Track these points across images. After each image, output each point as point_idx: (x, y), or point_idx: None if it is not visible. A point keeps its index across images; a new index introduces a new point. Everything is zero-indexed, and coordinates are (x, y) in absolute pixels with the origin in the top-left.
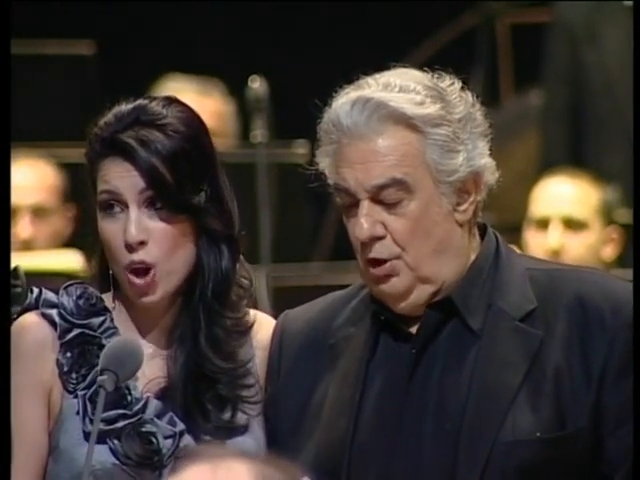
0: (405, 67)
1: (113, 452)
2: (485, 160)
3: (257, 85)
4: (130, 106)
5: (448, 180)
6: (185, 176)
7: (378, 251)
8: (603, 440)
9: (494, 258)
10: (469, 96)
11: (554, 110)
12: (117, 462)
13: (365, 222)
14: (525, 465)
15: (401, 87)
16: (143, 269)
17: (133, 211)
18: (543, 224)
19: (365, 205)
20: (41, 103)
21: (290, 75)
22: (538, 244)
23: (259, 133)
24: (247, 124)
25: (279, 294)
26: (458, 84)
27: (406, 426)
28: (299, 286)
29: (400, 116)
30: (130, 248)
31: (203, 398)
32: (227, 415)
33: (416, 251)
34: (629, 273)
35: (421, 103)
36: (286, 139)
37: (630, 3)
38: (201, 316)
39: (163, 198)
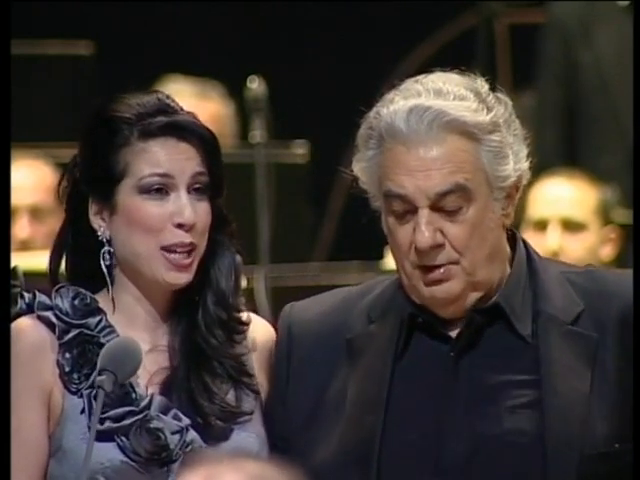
0: (444, 71)
1: (122, 449)
2: (527, 163)
3: (256, 85)
4: (150, 96)
5: (502, 186)
6: (221, 165)
7: (436, 258)
8: None
9: (527, 263)
10: (504, 97)
11: (548, 110)
12: (126, 459)
13: (427, 230)
14: (607, 477)
15: (455, 94)
16: (186, 251)
17: (184, 194)
18: (541, 225)
19: (425, 213)
20: (40, 103)
21: (289, 75)
22: (537, 246)
23: (258, 133)
24: (246, 124)
25: (278, 294)
26: (487, 85)
27: (453, 424)
28: (298, 286)
29: (461, 125)
30: (182, 229)
31: (206, 379)
32: (231, 398)
33: (473, 256)
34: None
35: (476, 110)
36: (285, 139)
37: (624, 3)
38: (211, 307)
39: (211, 182)
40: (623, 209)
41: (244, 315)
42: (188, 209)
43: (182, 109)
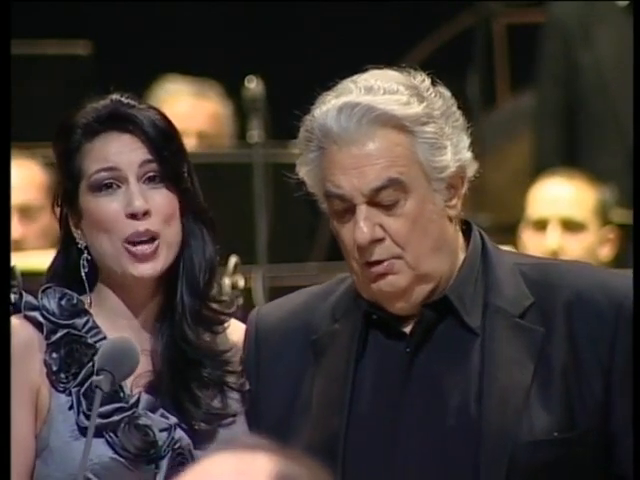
0: (379, 68)
1: (111, 445)
2: (469, 153)
3: (253, 85)
4: (105, 100)
5: (440, 177)
6: (176, 153)
7: (378, 253)
8: (614, 439)
9: (482, 255)
10: (444, 91)
11: (548, 110)
12: (115, 455)
13: (365, 226)
14: (544, 465)
15: (385, 89)
16: (146, 239)
17: (134, 184)
18: (541, 225)
19: (363, 209)
20: (38, 103)
21: (287, 75)
22: (536, 245)
23: (256, 133)
24: (244, 124)
25: (276, 294)
26: (429, 80)
27: (407, 423)
28: (296, 286)
29: (390, 118)
30: (135, 218)
31: (191, 384)
32: (217, 402)
33: (415, 250)
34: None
35: (407, 103)
36: (282, 139)
37: (624, 3)
38: (185, 297)
39: (164, 170)
40: (622, 209)
41: (223, 305)
42: (137, 197)
43: (141, 104)
